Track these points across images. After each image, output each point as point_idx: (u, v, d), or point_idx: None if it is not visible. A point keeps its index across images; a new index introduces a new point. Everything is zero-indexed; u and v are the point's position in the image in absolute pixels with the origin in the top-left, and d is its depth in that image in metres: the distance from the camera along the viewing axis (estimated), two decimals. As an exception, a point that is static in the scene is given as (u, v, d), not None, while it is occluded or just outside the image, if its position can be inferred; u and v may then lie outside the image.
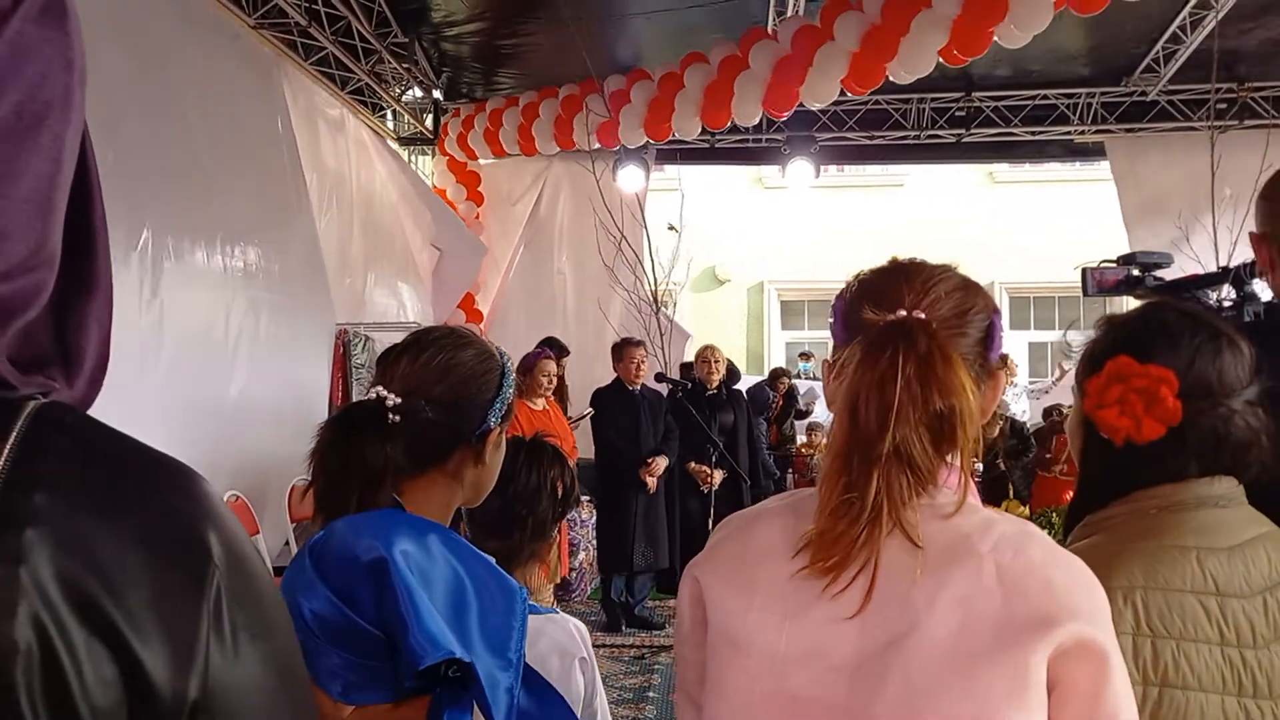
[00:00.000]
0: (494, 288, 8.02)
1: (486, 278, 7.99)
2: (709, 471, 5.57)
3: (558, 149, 7.10)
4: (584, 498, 5.88)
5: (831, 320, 1.01)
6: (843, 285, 1.02)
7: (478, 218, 7.87)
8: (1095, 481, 1.18)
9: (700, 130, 6.44)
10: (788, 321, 12.58)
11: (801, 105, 5.89)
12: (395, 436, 1.13)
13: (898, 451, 0.87)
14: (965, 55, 5.01)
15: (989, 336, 0.96)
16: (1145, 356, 1.09)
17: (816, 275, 10.84)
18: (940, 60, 5.10)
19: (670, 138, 6.78)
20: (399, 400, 1.15)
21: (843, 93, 7.19)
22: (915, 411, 0.87)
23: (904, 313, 0.92)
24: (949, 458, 0.90)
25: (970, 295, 0.96)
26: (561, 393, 6.15)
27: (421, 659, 0.91)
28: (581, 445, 5.75)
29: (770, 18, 5.98)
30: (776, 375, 8.73)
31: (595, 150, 7.13)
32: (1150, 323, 1.13)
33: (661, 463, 5.43)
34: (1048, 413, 7.19)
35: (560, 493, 1.57)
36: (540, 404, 5.20)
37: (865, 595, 0.87)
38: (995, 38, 4.85)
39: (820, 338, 11.74)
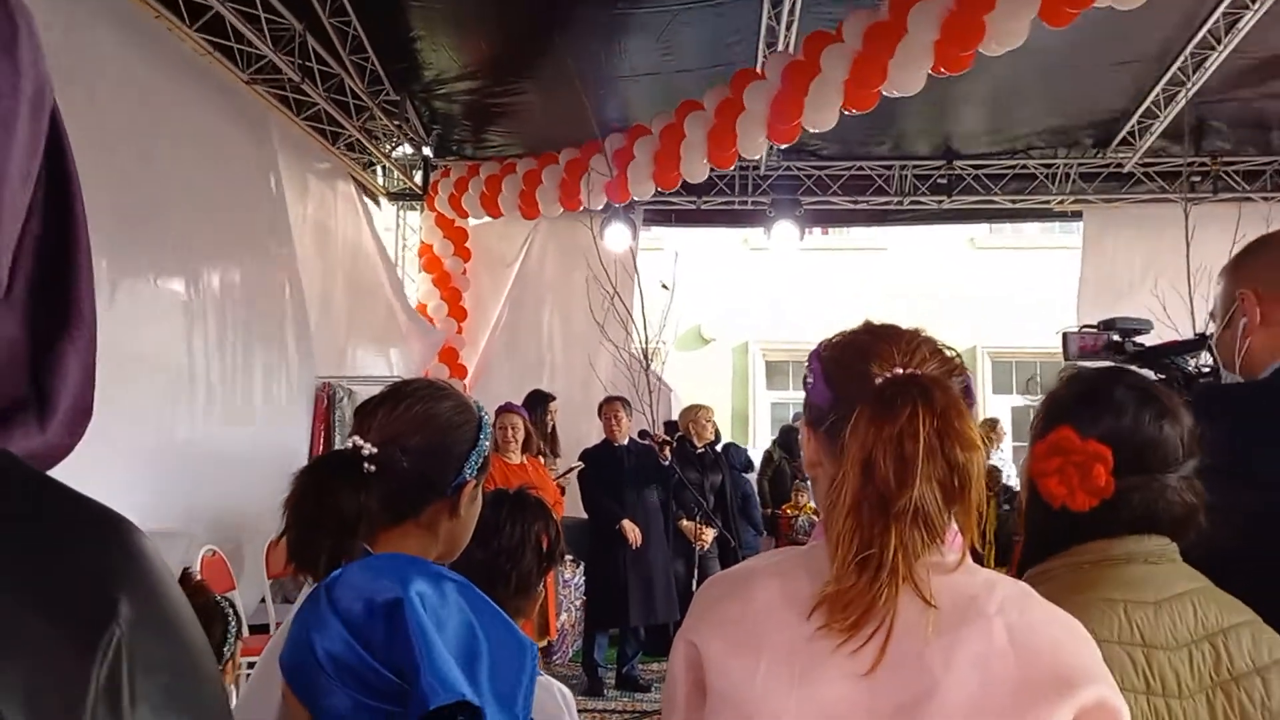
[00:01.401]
0: (479, 345, 8.02)
1: (474, 334, 7.98)
2: (701, 528, 5.54)
3: (561, 210, 7.09)
4: (567, 557, 5.80)
5: (809, 380, 1.01)
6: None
7: (464, 273, 7.90)
8: (1038, 537, 1.23)
9: (708, 172, 6.43)
10: (773, 381, 12.61)
11: (792, 160, 5.83)
12: (370, 486, 1.12)
13: (915, 508, 0.87)
14: (951, 70, 5.02)
15: (965, 399, 0.97)
16: (1089, 428, 1.15)
17: (801, 336, 10.85)
18: (931, 74, 5.06)
19: (663, 193, 6.83)
20: (375, 450, 1.14)
21: (832, 156, 7.37)
22: (933, 467, 0.87)
23: (900, 370, 0.92)
24: (951, 515, 0.90)
25: (946, 357, 0.98)
26: (552, 443, 6.10)
27: (431, 699, 0.90)
28: (571, 505, 5.70)
29: (760, 55, 5.96)
30: (795, 433, 8.47)
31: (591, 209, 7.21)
32: (1100, 394, 1.19)
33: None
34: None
35: (545, 546, 1.54)
36: (516, 458, 5.12)
37: (879, 654, 0.86)
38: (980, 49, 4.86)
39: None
